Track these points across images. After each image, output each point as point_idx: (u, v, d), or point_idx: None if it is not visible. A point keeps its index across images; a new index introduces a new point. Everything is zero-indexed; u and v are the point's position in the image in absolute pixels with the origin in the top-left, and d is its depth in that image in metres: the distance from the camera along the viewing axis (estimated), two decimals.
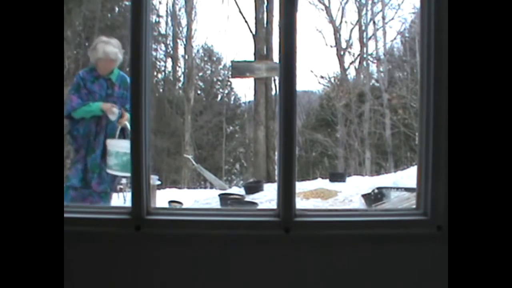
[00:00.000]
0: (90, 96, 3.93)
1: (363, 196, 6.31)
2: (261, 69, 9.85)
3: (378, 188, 6.26)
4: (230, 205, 6.47)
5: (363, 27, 12.16)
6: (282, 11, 1.40)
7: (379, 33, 12.04)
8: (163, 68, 12.75)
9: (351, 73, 12.60)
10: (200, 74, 13.05)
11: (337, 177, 8.47)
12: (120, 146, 3.93)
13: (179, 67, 12.63)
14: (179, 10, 12.52)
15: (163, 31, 12.49)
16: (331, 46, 12.00)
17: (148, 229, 1.44)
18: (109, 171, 3.88)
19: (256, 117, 10.35)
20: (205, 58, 13.37)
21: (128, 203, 1.51)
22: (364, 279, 1.45)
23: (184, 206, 6.11)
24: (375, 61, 12.28)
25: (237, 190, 8.12)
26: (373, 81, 12.27)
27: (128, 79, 3.81)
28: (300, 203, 6.16)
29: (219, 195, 7.21)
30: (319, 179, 8.71)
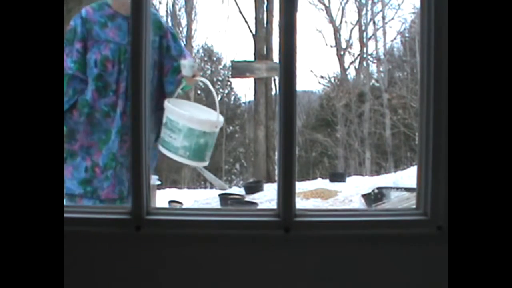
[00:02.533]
0: (98, 49, 2.57)
1: (363, 196, 6.31)
2: (261, 69, 9.85)
3: (378, 188, 6.26)
4: (230, 205, 6.47)
5: (363, 27, 12.17)
6: (282, 11, 1.40)
7: (379, 33, 12.05)
8: None
9: (351, 73, 12.62)
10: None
11: (337, 177, 8.47)
12: (193, 118, 2.61)
13: None
14: (179, 10, 12.53)
15: None
16: (331, 46, 12.01)
17: (148, 229, 1.44)
18: (172, 156, 2.67)
19: (256, 117, 10.35)
20: (205, 58, 13.38)
21: (128, 203, 1.51)
22: (364, 279, 1.45)
23: (184, 206, 6.11)
24: (375, 61, 12.28)
25: (237, 190, 8.12)
26: (373, 81, 12.27)
27: (162, 20, 2.98)
28: (300, 203, 6.17)
29: (219, 195, 7.22)
30: (319, 179, 8.72)
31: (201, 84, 3.01)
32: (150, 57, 1.48)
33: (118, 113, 2.63)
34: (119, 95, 2.65)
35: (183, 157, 2.66)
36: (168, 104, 2.65)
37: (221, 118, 2.79)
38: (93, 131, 2.65)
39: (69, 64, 2.62)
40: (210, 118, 2.73)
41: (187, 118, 2.62)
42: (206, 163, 2.88)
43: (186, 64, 2.67)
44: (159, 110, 2.74)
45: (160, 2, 12.10)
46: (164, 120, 2.67)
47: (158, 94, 2.78)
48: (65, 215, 1.27)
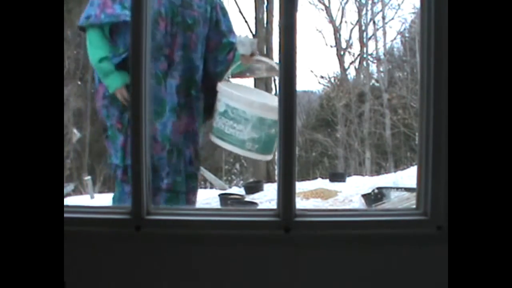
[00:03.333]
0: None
1: (363, 196, 6.30)
2: (261, 69, 9.84)
3: (378, 188, 6.26)
4: (230, 205, 6.46)
5: (363, 27, 12.15)
6: (282, 11, 1.40)
7: (379, 33, 12.04)
8: None
9: (351, 73, 12.60)
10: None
11: (337, 177, 8.46)
12: (266, 105, 2.22)
13: None
14: None
15: None
16: (331, 46, 11.99)
17: (148, 229, 1.44)
18: (236, 149, 2.29)
19: None
20: None
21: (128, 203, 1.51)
22: (364, 279, 1.45)
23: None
24: (375, 61, 12.27)
25: (237, 190, 8.10)
26: (373, 81, 12.26)
27: None
28: (300, 203, 6.15)
29: (219, 195, 7.20)
30: (319, 179, 8.70)
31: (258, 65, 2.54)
32: (149, 60, 1.48)
33: (174, 87, 2.35)
34: (173, 64, 2.37)
35: (251, 151, 2.27)
36: (229, 89, 2.27)
37: None
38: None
39: (117, 11, 2.35)
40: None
41: (258, 106, 2.23)
42: (271, 156, 2.48)
43: (246, 41, 2.31)
44: (207, 91, 2.42)
45: None
46: (222, 108, 2.26)
47: (203, 74, 2.47)
48: (65, 215, 1.27)
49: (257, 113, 2.25)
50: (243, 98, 2.29)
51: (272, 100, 2.44)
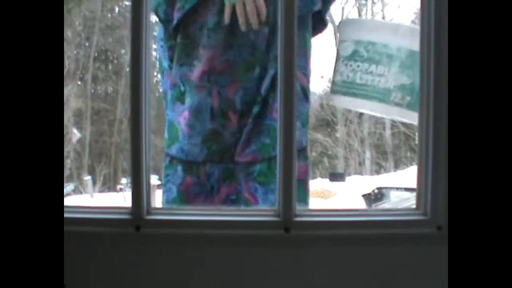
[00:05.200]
0: None
1: (363, 196, 6.31)
2: None
3: (378, 188, 6.27)
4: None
5: None
6: (282, 11, 1.40)
7: None
8: None
9: None
10: None
11: (337, 177, 8.49)
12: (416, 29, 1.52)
13: None
14: None
15: None
16: (331, 46, 11.98)
17: (148, 229, 1.44)
18: (378, 107, 1.65)
19: None
20: None
21: (128, 203, 1.51)
22: (363, 279, 1.45)
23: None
24: None
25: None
26: None
27: None
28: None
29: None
30: (319, 179, 8.72)
31: None
32: (149, 60, 1.47)
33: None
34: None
35: (400, 106, 1.56)
36: (360, 19, 1.67)
37: None
38: (231, 44, 1.79)
39: None
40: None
41: (407, 32, 1.54)
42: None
43: None
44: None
45: None
46: (349, 50, 1.64)
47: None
48: (65, 215, 1.27)
49: (406, 44, 1.56)
50: (382, 24, 1.65)
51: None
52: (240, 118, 1.92)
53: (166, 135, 2.07)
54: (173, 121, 2.04)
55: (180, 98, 2.00)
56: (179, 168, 2.04)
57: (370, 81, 1.56)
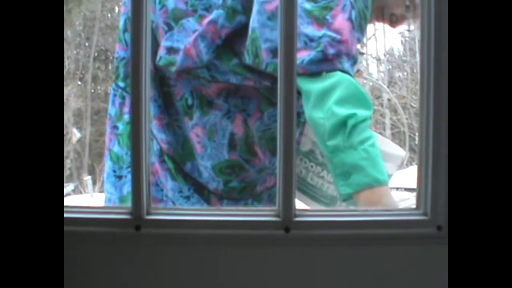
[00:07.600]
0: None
1: None
2: None
3: None
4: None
5: None
6: (282, 11, 1.40)
7: (379, 33, 12.04)
8: None
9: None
10: None
11: None
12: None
13: None
14: None
15: None
16: None
17: (148, 229, 1.44)
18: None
19: None
20: None
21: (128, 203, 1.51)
22: (363, 279, 1.45)
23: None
24: (375, 61, 12.27)
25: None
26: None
27: None
28: (300, 203, 6.14)
29: None
30: None
31: None
32: (149, 60, 1.47)
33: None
34: None
35: None
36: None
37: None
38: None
39: None
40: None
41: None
42: None
43: None
44: None
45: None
46: (307, 147, 1.68)
47: None
48: (65, 215, 1.27)
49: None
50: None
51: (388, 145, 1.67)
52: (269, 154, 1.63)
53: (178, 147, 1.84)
54: (187, 135, 1.78)
55: (187, 112, 1.76)
56: (191, 189, 1.82)
57: (320, 185, 1.59)
